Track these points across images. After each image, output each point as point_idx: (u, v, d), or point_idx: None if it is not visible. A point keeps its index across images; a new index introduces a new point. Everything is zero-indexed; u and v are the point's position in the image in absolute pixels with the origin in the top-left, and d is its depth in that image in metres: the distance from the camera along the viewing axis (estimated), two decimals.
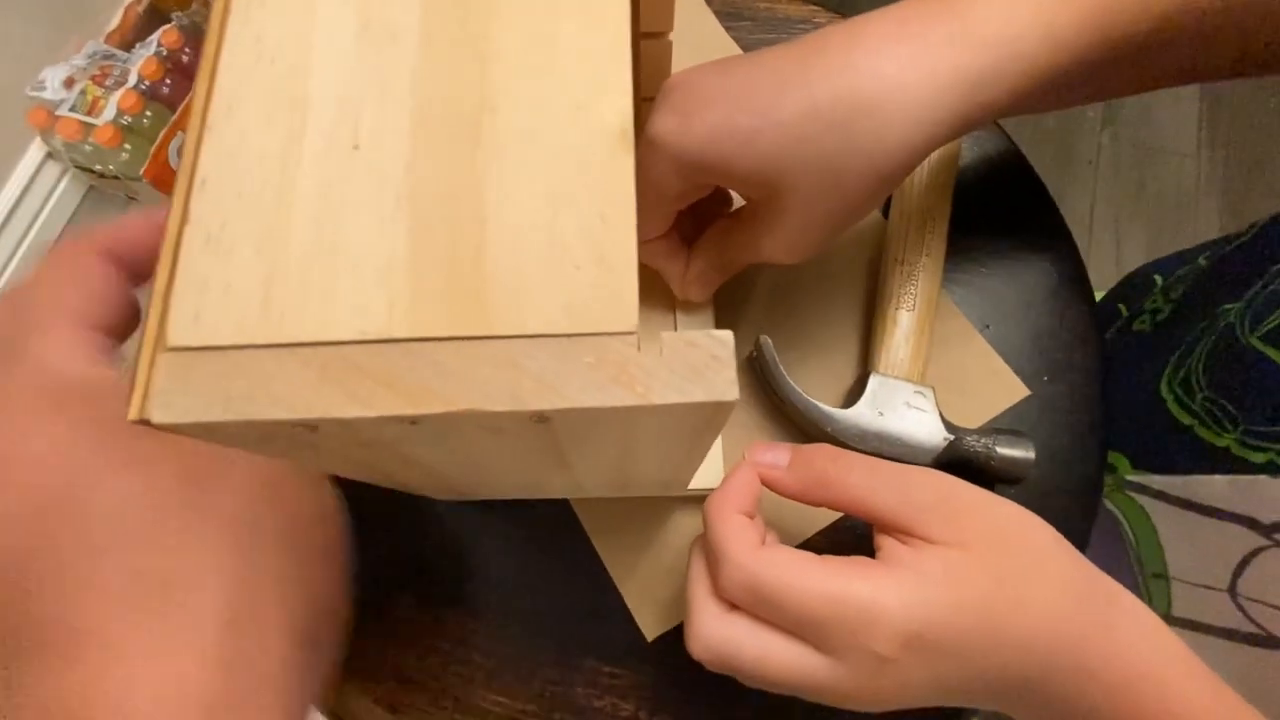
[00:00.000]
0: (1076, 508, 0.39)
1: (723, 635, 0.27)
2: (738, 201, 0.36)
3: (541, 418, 0.15)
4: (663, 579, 0.38)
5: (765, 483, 0.29)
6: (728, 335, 0.15)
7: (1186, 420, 0.40)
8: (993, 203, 0.44)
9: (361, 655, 0.37)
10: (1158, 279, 0.52)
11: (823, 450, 0.29)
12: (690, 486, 0.34)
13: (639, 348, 0.14)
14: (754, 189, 0.30)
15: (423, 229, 0.15)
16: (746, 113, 0.28)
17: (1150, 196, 1.42)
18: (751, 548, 0.26)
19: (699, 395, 0.14)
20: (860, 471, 0.27)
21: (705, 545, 0.28)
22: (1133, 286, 0.55)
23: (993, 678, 0.26)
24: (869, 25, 0.29)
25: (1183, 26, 0.30)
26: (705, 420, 0.16)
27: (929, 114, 0.28)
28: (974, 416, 0.40)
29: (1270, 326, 0.36)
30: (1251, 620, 0.38)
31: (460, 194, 0.15)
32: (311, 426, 0.15)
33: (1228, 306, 0.40)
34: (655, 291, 0.38)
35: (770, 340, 0.38)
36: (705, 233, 0.35)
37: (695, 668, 0.36)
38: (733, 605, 0.27)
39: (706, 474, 0.35)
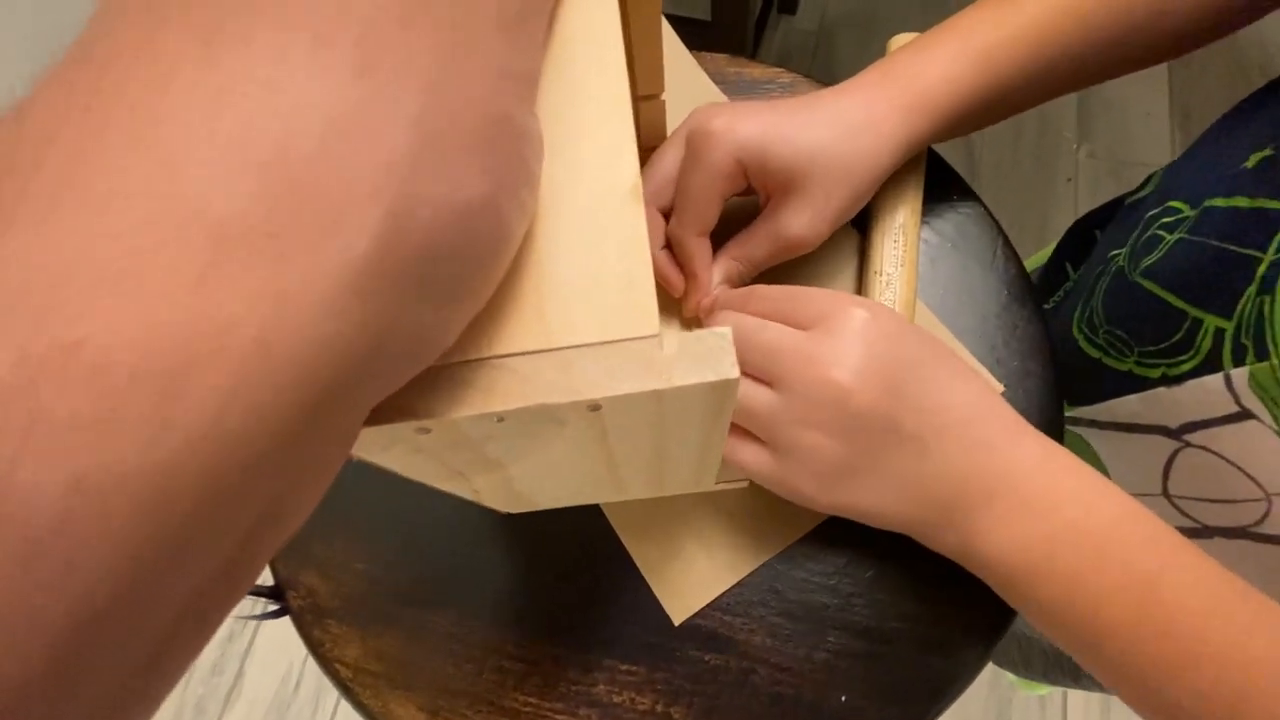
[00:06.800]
0: None
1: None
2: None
3: (594, 406, 0.20)
4: (685, 569, 0.42)
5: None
6: (727, 330, 0.20)
7: (1095, 354, 0.46)
8: (953, 237, 0.50)
9: (402, 665, 0.42)
10: (1097, 234, 0.57)
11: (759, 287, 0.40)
12: (715, 485, 0.39)
13: (661, 347, 0.19)
14: (783, 179, 0.40)
15: None
16: (787, 122, 0.40)
17: None
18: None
19: (709, 375, 0.19)
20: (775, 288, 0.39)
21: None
22: (1075, 247, 0.59)
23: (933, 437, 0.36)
24: (853, 85, 0.43)
25: (1051, 58, 0.41)
26: (718, 398, 0.21)
27: (891, 132, 0.41)
28: None
29: (1148, 264, 0.42)
30: (1186, 515, 0.43)
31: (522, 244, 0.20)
32: (426, 430, 0.20)
33: (1115, 252, 0.46)
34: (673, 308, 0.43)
35: None
36: (726, 244, 0.43)
37: (704, 663, 0.41)
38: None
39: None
